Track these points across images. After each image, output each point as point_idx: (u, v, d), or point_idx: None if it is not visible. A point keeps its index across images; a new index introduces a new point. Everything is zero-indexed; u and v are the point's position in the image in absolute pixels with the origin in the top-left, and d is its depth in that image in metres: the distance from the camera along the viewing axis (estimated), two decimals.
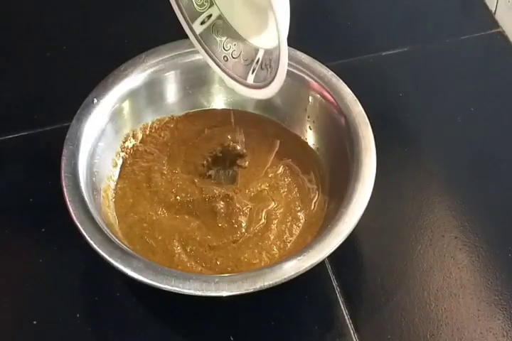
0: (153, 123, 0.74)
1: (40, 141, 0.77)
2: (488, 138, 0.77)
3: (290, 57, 0.72)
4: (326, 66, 0.72)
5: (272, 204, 0.69)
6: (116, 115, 0.71)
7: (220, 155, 0.72)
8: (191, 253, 0.66)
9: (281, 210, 0.69)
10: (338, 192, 0.66)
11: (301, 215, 0.69)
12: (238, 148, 0.72)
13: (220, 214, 0.68)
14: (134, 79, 0.72)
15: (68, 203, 0.64)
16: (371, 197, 0.64)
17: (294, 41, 0.74)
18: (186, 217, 0.69)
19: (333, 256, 0.62)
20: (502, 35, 0.85)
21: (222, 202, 0.69)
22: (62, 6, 0.88)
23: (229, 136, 0.73)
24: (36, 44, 0.85)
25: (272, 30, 0.62)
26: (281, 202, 0.69)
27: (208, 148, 0.73)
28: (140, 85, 0.72)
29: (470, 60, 0.83)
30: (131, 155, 0.72)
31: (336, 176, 0.69)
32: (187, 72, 0.74)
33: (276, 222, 0.68)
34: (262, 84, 0.64)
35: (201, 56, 0.70)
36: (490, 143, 0.77)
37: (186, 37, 0.75)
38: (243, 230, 0.68)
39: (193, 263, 0.66)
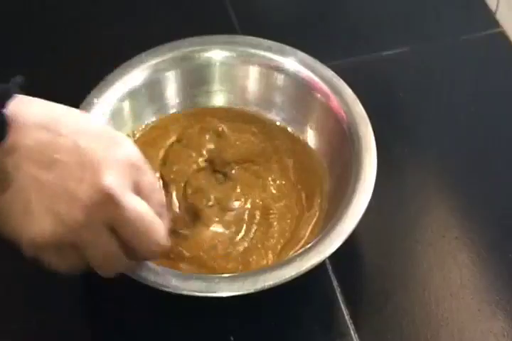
0: (153, 123, 0.74)
1: None
2: (488, 138, 0.77)
3: (291, 57, 0.73)
4: (326, 66, 0.72)
5: (273, 205, 0.69)
6: (116, 115, 0.71)
7: (220, 155, 0.72)
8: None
9: (282, 211, 0.69)
10: (338, 192, 0.66)
11: (301, 216, 0.69)
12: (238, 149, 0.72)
13: (219, 219, 0.68)
14: (134, 79, 0.72)
15: None
16: (371, 197, 0.64)
17: (294, 41, 0.74)
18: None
19: (333, 256, 0.62)
20: (503, 35, 0.85)
21: (218, 207, 0.69)
22: (62, 5, 0.88)
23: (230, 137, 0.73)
24: (36, 44, 0.85)
25: None
26: (281, 202, 0.69)
27: (208, 148, 0.72)
28: (140, 85, 0.72)
29: (470, 60, 0.83)
30: None
31: (336, 176, 0.69)
32: (187, 72, 0.74)
33: (277, 223, 0.68)
34: None
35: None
36: (490, 143, 0.77)
37: (186, 37, 0.75)
38: (246, 233, 0.68)
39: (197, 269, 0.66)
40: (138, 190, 0.51)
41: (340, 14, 0.88)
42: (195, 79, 0.75)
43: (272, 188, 0.70)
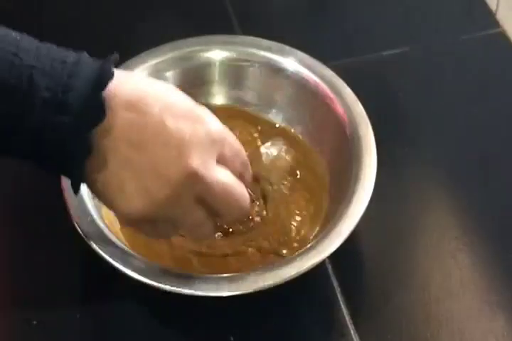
0: None
1: None
2: (488, 138, 0.77)
3: (291, 57, 0.73)
4: (326, 66, 0.72)
5: (273, 205, 0.69)
6: None
7: None
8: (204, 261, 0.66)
9: (282, 210, 0.69)
10: (338, 192, 0.66)
11: (302, 215, 0.69)
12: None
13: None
14: None
15: (68, 203, 0.64)
16: (371, 197, 0.64)
17: (294, 41, 0.74)
18: None
19: (333, 256, 0.62)
20: (503, 35, 0.85)
21: None
22: (62, 6, 0.88)
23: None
24: None
25: None
26: (282, 202, 0.69)
27: None
28: None
29: (470, 60, 0.83)
30: None
31: (336, 176, 0.69)
32: (187, 72, 0.74)
33: (278, 222, 0.68)
34: None
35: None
36: (490, 143, 0.76)
37: (186, 37, 0.75)
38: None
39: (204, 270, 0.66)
40: (222, 159, 0.54)
41: (340, 14, 0.88)
42: (195, 80, 0.75)
43: (271, 188, 0.70)
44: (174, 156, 0.52)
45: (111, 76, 0.51)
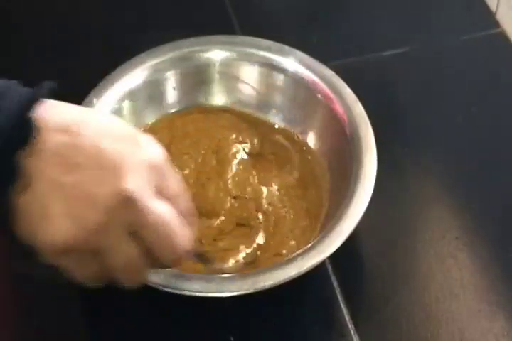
0: (153, 123, 0.74)
1: None
2: (488, 138, 0.77)
3: (290, 57, 0.73)
4: (326, 66, 0.72)
5: (273, 205, 0.69)
6: (116, 115, 0.70)
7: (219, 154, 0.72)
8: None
9: (281, 211, 0.69)
10: (338, 192, 0.66)
11: (302, 215, 0.69)
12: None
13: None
14: (134, 79, 0.72)
15: None
16: (371, 197, 0.64)
17: (294, 41, 0.74)
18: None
19: (333, 256, 0.62)
20: (503, 35, 0.85)
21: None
22: (63, 6, 0.88)
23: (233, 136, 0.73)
24: (37, 44, 0.85)
25: None
26: (281, 202, 0.69)
27: (207, 147, 0.73)
28: (140, 85, 0.72)
29: (470, 60, 0.83)
30: None
31: (336, 176, 0.69)
32: (187, 72, 0.74)
33: (278, 222, 0.68)
34: None
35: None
36: (490, 143, 0.76)
37: (186, 37, 0.75)
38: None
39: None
40: (162, 195, 0.50)
41: (340, 14, 0.88)
42: (195, 80, 0.75)
43: (272, 189, 0.70)
44: (108, 178, 0.48)
45: (41, 100, 0.48)
